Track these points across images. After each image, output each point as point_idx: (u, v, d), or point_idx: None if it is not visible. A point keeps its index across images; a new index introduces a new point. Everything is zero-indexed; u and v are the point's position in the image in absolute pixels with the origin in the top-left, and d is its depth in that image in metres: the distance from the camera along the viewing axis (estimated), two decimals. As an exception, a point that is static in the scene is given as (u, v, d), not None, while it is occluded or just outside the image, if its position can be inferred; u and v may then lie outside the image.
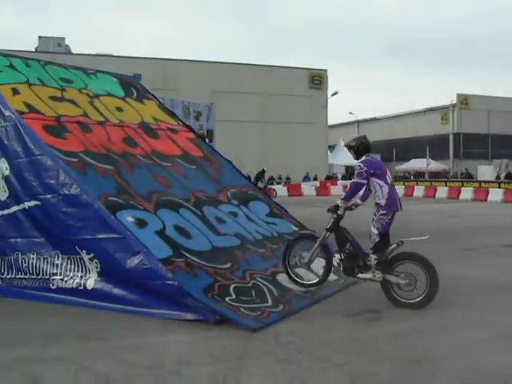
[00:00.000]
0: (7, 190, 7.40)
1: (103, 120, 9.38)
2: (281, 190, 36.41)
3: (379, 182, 6.95)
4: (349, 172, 53.24)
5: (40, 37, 45.34)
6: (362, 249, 7.12)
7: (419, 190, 35.52)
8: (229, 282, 6.77)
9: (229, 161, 10.72)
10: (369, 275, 6.99)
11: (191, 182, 8.82)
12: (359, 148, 7.18)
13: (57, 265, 6.88)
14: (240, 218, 8.93)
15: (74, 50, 45.88)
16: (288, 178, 42.62)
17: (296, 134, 44.74)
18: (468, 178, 42.83)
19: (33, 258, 7.06)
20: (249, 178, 8.78)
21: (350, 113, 66.15)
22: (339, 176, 49.83)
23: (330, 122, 52.78)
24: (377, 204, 6.96)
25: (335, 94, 48.60)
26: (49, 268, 6.93)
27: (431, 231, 14.95)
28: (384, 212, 6.89)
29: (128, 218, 6.96)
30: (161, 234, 7.10)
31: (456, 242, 12.77)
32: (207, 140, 14.28)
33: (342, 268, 7.28)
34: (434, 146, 52.05)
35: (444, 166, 54.11)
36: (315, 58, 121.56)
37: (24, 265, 7.13)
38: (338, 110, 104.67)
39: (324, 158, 48.22)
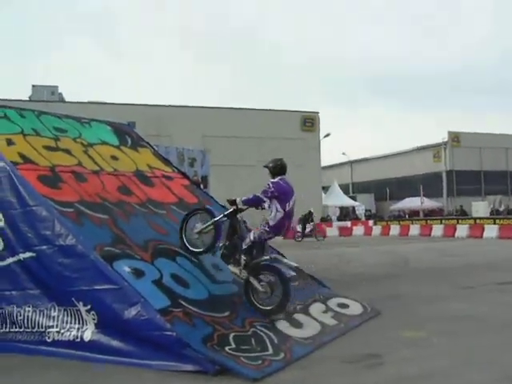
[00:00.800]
0: (2, 242, 7.33)
1: (98, 169, 9.38)
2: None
3: (278, 206, 7.52)
4: (343, 213, 53.38)
5: (33, 85, 45.97)
6: (242, 246, 7.69)
7: (415, 229, 35.52)
8: (228, 331, 6.67)
9: (223, 206, 10.71)
10: (236, 270, 7.69)
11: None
12: (274, 169, 7.79)
13: (53, 317, 6.76)
14: (237, 265, 8.86)
15: (67, 98, 46.36)
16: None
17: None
18: (463, 214, 42.97)
19: (28, 311, 6.95)
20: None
21: (343, 153, 66.54)
22: (333, 218, 49.81)
23: (323, 163, 53.11)
24: (267, 221, 7.58)
25: (327, 135, 49.07)
26: (45, 320, 6.81)
27: (429, 270, 15.06)
28: (268, 230, 7.57)
29: (125, 267, 6.87)
30: (158, 283, 7.01)
31: (454, 280, 12.70)
32: (202, 186, 14.29)
33: (221, 253, 7.91)
34: (428, 184, 52.36)
35: (438, 204, 54.31)
36: (306, 100, 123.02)
37: (19, 318, 7.00)
38: (331, 151, 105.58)
39: (318, 199, 48.27)
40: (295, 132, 47.27)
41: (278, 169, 7.79)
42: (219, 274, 8.20)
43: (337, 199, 53.46)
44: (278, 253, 9.03)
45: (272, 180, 7.65)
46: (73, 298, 6.55)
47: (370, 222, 43.30)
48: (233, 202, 7.78)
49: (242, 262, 7.63)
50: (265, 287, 7.46)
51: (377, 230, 37.88)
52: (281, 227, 7.63)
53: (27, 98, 43.17)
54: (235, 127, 43.55)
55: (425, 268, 15.74)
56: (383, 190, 57.67)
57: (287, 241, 32.33)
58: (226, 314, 7.17)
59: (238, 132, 43.61)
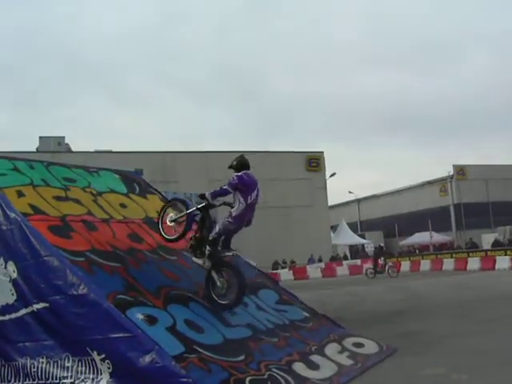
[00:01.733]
0: (15, 293, 7.32)
1: (108, 217, 9.44)
2: (286, 274, 36.11)
3: (240, 198, 7.97)
4: (353, 251, 53.11)
5: (40, 137, 46.44)
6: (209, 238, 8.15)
7: (425, 264, 35.24)
8: (244, 375, 6.58)
9: (234, 250, 10.71)
10: (200, 261, 8.18)
11: (198, 275, 8.74)
12: (237, 165, 8.29)
13: (67, 368, 6.65)
14: (250, 308, 8.82)
15: (74, 148, 46.81)
16: (293, 262, 42.33)
17: (297, 216, 44.93)
18: (473, 247, 42.65)
19: (42, 362, 6.85)
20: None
21: (350, 192, 66.66)
22: (345, 255, 49.58)
23: (331, 202, 53.11)
24: (230, 212, 8.03)
25: (333, 175, 49.17)
26: (59, 372, 6.69)
27: (443, 305, 14.87)
28: (231, 221, 8.00)
29: (138, 315, 6.86)
30: (172, 329, 6.97)
31: (470, 314, 12.51)
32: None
33: (189, 244, 8.46)
34: (436, 219, 52.18)
35: (447, 238, 54.01)
36: (309, 141, 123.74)
37: (33, 370, 6.90)
38: (338, 190, 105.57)
39: (327, 238, 48.13)
40: (301, 173, 47.46)
41: (240, 165, 8.29)
42: (233, 318, 8.15)
43: (346, 238, 53.28)
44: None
45: (236, 173, 8.12)
46: (87, 348, 6.47)
47: (380, 260, 42.92)
48: (202, 196, 8.22)
49: (207, 252, 8.10)
50: (222, 282, 8.00)
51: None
52: (243, 218, 8.07)
53: (35, 150, 43.63)
54: (240, 170, 43.71)
55: (439, 303, 15.55)
56: (391, 227, 57.49)
57: (358, 277, 32.17)
58: (241, 357, 7.09)
59: (244, 174, 43.77)
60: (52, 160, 11.50)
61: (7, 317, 7.32)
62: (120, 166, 12.95)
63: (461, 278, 24.86)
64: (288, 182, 45.73)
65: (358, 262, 43.01)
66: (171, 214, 8.63)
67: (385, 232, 61.06)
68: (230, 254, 8.32)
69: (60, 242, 7.80)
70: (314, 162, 48.68)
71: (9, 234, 7.63)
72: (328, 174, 49.12)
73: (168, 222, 8.61)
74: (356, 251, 53.81)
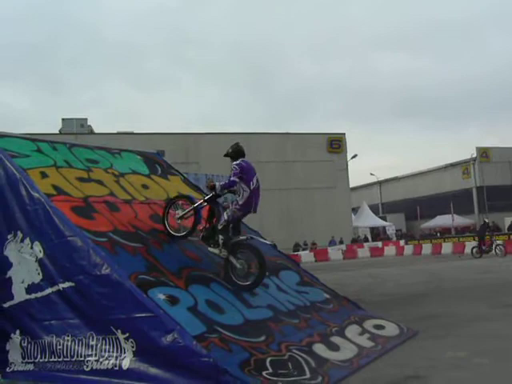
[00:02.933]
0: (41, 273, 7.44)
1: (130, 198, 9.51)
2: (307, 256, 36.17)
3: (243, 186, 8.16)
4: (374, 233, 52.94)
5: (63, 119, 46.85)
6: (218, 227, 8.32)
7: (447, 247, 35.07)
8: (265, 356, 6.64)
9: (255, 231, 10.74)
10: (216, 251, 8.32)
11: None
12: (234, 153, 8.46)
13: (92, 346, 6.76)
14: (271, 289, 8.86)
15: (96, 130, 47.11)
16: (313, 244, 42.38)
17: (318, 198, 44.87)
18: (496, 230, 42.24)
19: (67, 340, 6.98)
20: (274, 246, 9.18)
21: (371, 174, 66.31)
22: (366, 237, 49.48)
23: (352, 184, 52.92)
24: (236, 201, 8.24)
25: (355, 156, 48.93)
26: (83, 350, 6.81)
27: (465, 288, 14.79)
28: (238, 208, 8.20)
29: (159, 295, 6.93)
30: (193, 310, 7.04)
31: (492, 297, 12.37)
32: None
33: (201, 236, 8.61)
34: (458, 201, 51.77)
35: (470, 221, 53.53)
36: (330, 123, 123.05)
37: (58, 347, 7.04)
38: (359, 172, 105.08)
39: (348, 220, 48.01)
40: (322, 154, 47.30)
41: (236, 152, 8.46)
42: (254, 299, 8.19)
43: (367, 220, 53.08)
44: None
45: (235, 163, 8.27)
46: (111, 327, 6.56)
47: (402, 242, 42.87)
48: (212, 187, 8.40)
49: (220, 241, 8.26)
50: (242, 263, 8.13)
51: (408, 249, 37.49)
52: (250, 204, 8.25)
53: (57, 132, 44.00)
54: (262, 152, 43.69)
55: (460, 286, 15.45)
56: (413, 209, 57.15)
57: (379, 259, 31.81)
58: (262, 338, 7.14)
59: (265, 156, 43.76)
60: (75, 141, 11.53)
61: (33, 295, 7.46)
62: (142, 147, 12.97)
63: (483, 261, 24.66)
64: (309, 164, 45.64)
65: (379, 244, 42.98)
66: (178, 211, 8.81)
67: (406, 214, 60.74)
68: (244, 237, 8.45)
69: (83, 222, 7.88)
70: (336, 144, 48.43)
71: (33, 214, 7.75)
72: (349, 155, 48.92)
73: (176, 220, 8.77)
74: (377, 233, 53.65)
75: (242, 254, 8.21)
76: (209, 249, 8.48)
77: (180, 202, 8.99)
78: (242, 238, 8.41)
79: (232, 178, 8.13)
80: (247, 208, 8.27)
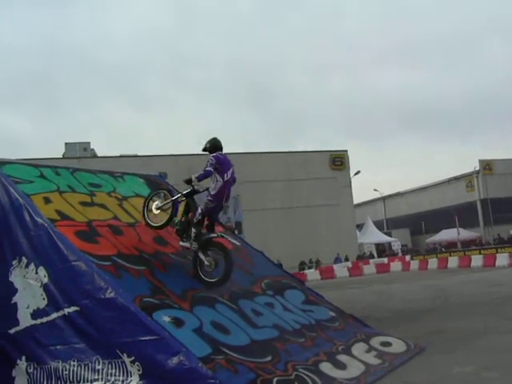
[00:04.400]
0: (46, 298, 7.44)
1: (133, 221, 9.55)
2: (313, 274, 36.04)
3: (217, 176, 8.41)
4: (379, 249, 52.76)
5: (66, 143, 46.95)
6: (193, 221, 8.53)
7: (453, 261, 34.80)
8: (271, 376, 6.62)
9: (259, 251, 10.77)
10: (187, 244, 8.54)
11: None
12: (210, 147, 8.69)
13: (98, 370, 6.73)
14: (276, 309, 8.86)
15: (99, 153, 47.27)
16: (317, 261, 42.21)
17: (323, 216, 44.80)
18: (501, 243, 42.09)
19: (73, 365, 6.94)
20: (280, 266, 9.23)
21: (375, 190, 66.30)
22: (371, 253, 49.32)
23: (356, 200, 52.83)
24: (209, 191, 8.50)
25: (357, 173, 48.88)
26: (90, 374, 6.77)
27: (472, 302, 14.69)
28: (210, 199, 8.43)
29: (165, 317, 6.94)
30: (198, 331, 7.04)
31: (500, 311, 12.33)
32: (236, 232, 14.35)
33: (175, 229, 8.85)
34: (463, 215, 51.57)
35: (475, 234, 53.31)
36: (333, 139, 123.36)
37: (64, 373, 7.00)
38: (363, 188, 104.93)
39: (353, 237, 47.88)
40: (325, 172, 47.29)
41: (213, 147, 8.69)
42: (259, 319, 8.19)
43: (372, 236, 52.95)
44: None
45: (212, 154, 8.51)
46: (117, 350, 6.54)
47: (407, 257, 42.68)
48: (189, 181, 8.60)
49: (193, 234, 8.46)
50: (210, 261, 8.32)
51: (414, 264, 37.28)
52: (222, 195, 8.48)
53: (61, 156, 44.19)
54: (265, 171, 43.82)
55: (468, 300, 15.36)
56: (418, 224, 57.02)
57: (385, 275, 31.68)
58: (268, 358, 7.12)
59: (268, 176, 43.87)
60: (78, 165, 11.62)
61: (39, 321, 7.44)
62: (145, 170, 13.05)
63: (490, 275, 24.53)
64: (313, 182, 45.64)
65: (385, 260, 42.80)
66: (157, 202, 9.05)
67: (411, 229, 60.58)
68: (215, 235, 8.62)
69: (87, 246, 7.91)
70: (338, 161, 48.46)
71: (37, 239, 7.77)
72: (352, 172, 48.91)
73: (154, 210, 8.99)
74: (383, 249, 53.44)
75: (211, 252, 8.40)
76: (180, 243, 8.75)
77: (161, 194, 9.22)
78: (212, 234, 8.59)
79: (207, 169, 8.36)
80: (219, 199, 8.48)
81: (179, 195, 8.89)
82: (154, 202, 9.11)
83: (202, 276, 8.38)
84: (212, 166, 8.36)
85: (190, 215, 8.72)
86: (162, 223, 8.93)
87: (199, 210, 8.51)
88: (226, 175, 8.46)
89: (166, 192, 9.21)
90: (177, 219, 8.90)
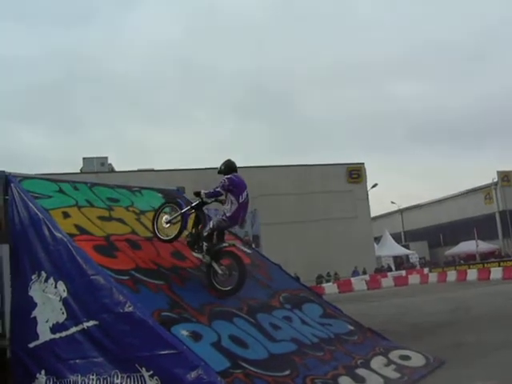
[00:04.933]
0: (65, 312, 7.50)
1: (151, 236, 9.57)
2: (331, 288, 35.87)
3: (232, 199, 8.50)
4: (397, 262, 52.40)
5: (84, 158, 47.28)
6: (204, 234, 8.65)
7: (472, 274, 34.43)
8: (290, 390, 6.59)
9: (277, 264, 10.76)
10: (200, 255, 8.65)
11: (242, 290, 8.81)
12: (226, 169, 8.80)
13: (116, 384, 6.80)
14: (295, 323, 8.84)
15: (116, 168, 47.58)
16: (336, 274, 42.02)
17: (340, 229, 44.60)
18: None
19: (92, 379, 6.98)
20: (297, 279, 9.23)
21: (392, 202, 65.98)
22: (389, 266, 49.01)
23: (373, 213, 52.58)
24: (224, 212, 8.57)
25: (375, 186, 48.73)
26: (108, 388, 6.85)
27: (492, 315, 14.50)
28: (225, 219, 8.55)
29: (183, 332, 6.95)
30: (217, 345, 7.04)
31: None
32: (254, 245, 14.35)
33: (187, 241, 8.97)
34: (481, 227, 51.06)
35: (494, 246, 52.77)
36: (349, 152, 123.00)
37: (83, 387, 7.07)
38: (380, 201, 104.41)
39: (371, 250, 47.60)
40: (342, 185, 47.17)
41: (228, 168, 8.81)
42: (277, 333, 8.17)
43: (390, 249, 52.63)
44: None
45: (226, 176, 8.63)
46: (136, 364, 6.57)
47: (426, 270, 42.33)
48: (197, 194, 8.76)
49: (204, 248, 8.56)
50: (223, 270, 8.42)
51: (433, 277, 36.94)
52: (237, 217, 8.61)
53: (79, 171, 44.57)
54: (282, 184, 43.81)
55: (488, 313, 15.17)
56: (436, 237, 56.58)
57: (403, 288, 31.50)
58: (287, 372, 7.10)
59: (286, 189, 43.85)
60: (96, 180, 11.73)
61: (58, 335, 7.51)
62: (163, 184, 13.12)
63: (509, 287, 24.23)
64: (329, 195, 45.52)
65: (403, 272, 42.49)
66: (166, 216, 9.08)
67: (429, 242, 60.12)
68: (227, 244, 8.77)
69: (105, 261, 7.97)
70: (355, 174, 48.35)
71: (57, 254, 7.87)
72: (369, 185, 48.77)
73: (164, 224, 9.02)
74: (400, 262, 53.07)
75: (224, 260, 8.51)
76: (193, 253, 8.85)
77: (170, 207, 9.26)
78: (224, 244, 8.73)
79: (218, 189, 8.55)
80: (234, 220, 8.64)
81: (188, 207, 8.95)
82: (163, 215, 9.14)
83: (216, 285, 8.48)
84: (223, 187, 8.50)
85: (199, 227, 8.82)
86: (172, 237, 8.98)
87: (210, 225, 8.61)
88: (240, 197, 8.56)
89: (174, 205, 9.26)
90: (187, 231, 8.97)
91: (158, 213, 9.29)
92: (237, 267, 8.34)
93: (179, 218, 8.89)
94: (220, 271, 8.42)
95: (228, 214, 8.51)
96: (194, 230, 8.93)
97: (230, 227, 8.95)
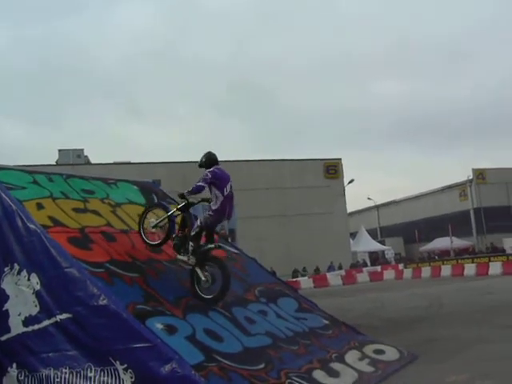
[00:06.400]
0: (38, 305, 7.39)
1: (126, 228, 9.51)
2: (306, 282, 36.02)
3: (217, 192, 8.25)
4: (373, 257, 52.81)
5: (60, 150, 46.74)
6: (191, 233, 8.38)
7: (446, 270, 34.85)
8: (264, 384, 6.59)
9: (253, 258, 10.75)
10: (185, 258, 8.37)
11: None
12: (208, 161, 8.52)
13: (90, 378, 6.66)
14: (270, 316, 8.85)
15: (92, 160, 47.14)
16: (317, 269, 42.19)
17: (316, 224, 44.76)
18: (494, 252, 42.25)
19: (65, 373, 6.88)
20: (273, 273, 9.18)
21: (369, 198, 66.40)
22: (365, 262, 49.39)
23: (350, 209, 52.86)
24: (210, 207, 8.33)
25: (351, 181, 48.94)
26: (82, 382, 6.69)
27: (465, 311, 14.71)
28: (211, 214, 8.29)
29: (157, 325, 6.90)
30: (191, 339, 7.01)
31: (494, 319, 12.33)
32: (230, 239, 14.33)
33: (173, 244, 8.61)
34: (456, 224, 51.68)
35: (468, 243, 53.46)
36: (326, 148, 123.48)
37: (56, 380, 6.93)
38: (356, 197, 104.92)
39: (346, 246, 47.91)
40: (319, 180, 47.34)
41: (210, 160, 8.53)
42: (252, 327, 8.17)
43: (365, 245, 53.02)
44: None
45: (208, 170, 8.35)
46: (110, 358, 6.49)
47: (401, 266, 42.77)
48: (182, 196, 8.41)
49: (190, 248, 8.31)
50: (207, 277, 8.13)
51: (408, 273, 37.35)
52: (223, 211, 8.33)
53: (54, 163, 44.06)
54: (258, 179, 43.82)
55: (461, 309, 15.38)
56: (411, 233, 57.13)
57: (378, 284, 31.69)
58: (261, 366, 7.10)
59: (262, 184, 43.88)
60: (71, 172, 11.59)
61: (30, 328, 7.38)
62: (139, 177, 13.03)
63: (483, 283, 24.57)
64: (306, 190, 45.67)
65: (378, 268, 42.85)
66: (152, 219, 8.80)
67: (405, 238, 60.69)
68: (213, 246, 8.52)
69: (80, 253, 7.87)
70: (332, 169, 48.56)
71: (30, 246, 7.72)
72: (346, 180, 49.01)
73: (150, 228, 8.78)
74: (376, 258, 53.49)
75: (209, 266, 8.24)
76: (178, 257, 8.56)
77: (155, 211, 9.00)
78: (210, 246, 8.46)
79: (199, 183, 8.20)
80: (220, 214, 8.35)
81: (174, 210, 8.68)
82: (149, 219, 8.87)
83: (199, 293, 8.21)
84: (205, 181, 8.22)
85: (186, 230, 8.53)
86: (160, 241, 8.72)
87: (198, 223, 8.36)
88: (225, 190, 8.32)
89: (160, 208, 9.04)
90: (174, 234, 8.71)
91: (143, 217, 9.01)
92: (221, 275, 8.07)
93: (166, 220, 8.66)
94: (203, 278, 8.16)
95: (213, 208, 8.29)
96: (180, 233, 8.63)
97: (217, 222, 8.57)
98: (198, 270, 8.23)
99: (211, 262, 8.29)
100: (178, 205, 8.80)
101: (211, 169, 8.38)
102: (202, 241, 8.52)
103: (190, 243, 8.33)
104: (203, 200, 8.67)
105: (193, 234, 8.36)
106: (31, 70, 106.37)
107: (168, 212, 8.70)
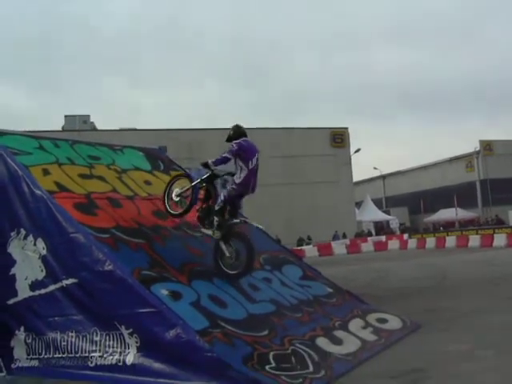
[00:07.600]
0: (44, 270, 7.46)
1: (132, 194, 9.52)
2: (311, 251, 36.17)
3: (242, 164, 8.03)
4: (377, 227, 52.89)
5: (66, 116, 46.59)
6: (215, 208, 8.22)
7: (451, 241, 34.90)
8: (268, 350, 6.65)
9: (258, 226, 10.74)
10: (210, 232, 8.26)
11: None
12: (234, 135, 8.28)
13: (96, 342, 6.79)
14: (274, 284, 8.89)
15: (98, 127, 47.02)
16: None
17: (322, 193, 44.77)
18: (499, 224, 42.22)
19: (71, 336, 7.01)
20: (278, 241, 9.14)
21: (375, 168, 66.25)
22: (370, 231, 49.48)
23: (355, 178, 52.77)
24: (234, 180, 8.12)
25: (358, 151, 48.80)
26: (87, 345, 6.84)
27: (468, 282, 14.77)
28: (235, 188, 8.07)
29: (162, 290, 6.95)
30: (196, 305, 7.07)
31: (496, 290, 12.43)
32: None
33: (196, 216, 8.52)
34: (462, 195, 51.51)
35: (473, 214, 53.37)
36: (333, 117, 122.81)
37: (63, 343, 7.07)
38: (363, 166, 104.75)
39: (351, 215, 47.96)
40: (325, 149, 47.19)
41: (238, 133, 8.30)
42: (256, 294, 8.22)
43: (370, 214, 53.07)
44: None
45: (235, 141, 8.13)
46: (115, 322, 6.58)
47: (405, 236, 42.79)
48: (205, 165, 8.21)
49: (215, 223, 8.17)
50: (231, 252, 8.09)
51: (412, 243, 37.39)
52: (247, 184, 8.12)
53: (60, 129, 43.98)
54: (265, 147, 43.39)
55: (464, 279, 15.44)
56: (417, 203, 57.04)
57: (383, 253, 31.84)
58: (265, 332, 7.16)
59: (268, 151, 43.47)
60: (77, 138, 11.55)
61: (37, 292, 7.49)
62: (145, 144, 12.98)
63: (486, 255, 24.61)
64: (312, 158, 45.55)
65: (383, 238, 42.93)
66: (176, 189, 8.61)
67: (410, 208, 60.64)
68: (238, 221, 8.40)
69: (85, 219, 7.90)
70: (339, 138, 48.35)
71: (36, 211, 7.76)
72: (352, 150, 48.82)
73: (174, 198, 8.60)
74: (381, 227, 53.60)
75: (233, 242, 8.16)
76: (202, 229, 8.46)
77: (180, 181, 8.81)
78: (235, 220, 8.33)
79: (225, 155, 8.02)
80: (244, 188, 8.15)
81: (198, 180, 8.41)
82: (173, 189, 8.68)
83: (223, 267, 8.14)
84: (231, 152, 7.96)
85: (210, 201, 8.41)
86: (181, 211, 8.52)
87: (222, 197, 8.15)
88: (250, 163, 8.06)
89: (185, 178, 8.82)
90: (198, 206, 8.55)
91: (168, 186, 8.81)
92: (245, 252, 7.99)
93: (189, 191, 8.44)
94: (227, 253, 8.09)
95: (237, 181, 8.03)
96: (204, 205, 8.49)
97: (242, 195, 8.34)
98: (223, 246, 8.16)
99: (235, 238, 8.19)
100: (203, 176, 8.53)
101: (238, 140, 8.14)
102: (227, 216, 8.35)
103: (215, 218, 8.18)
104: (228, 173, 8.45)
105: (217, 208, 8.18)
106: (35, 32, 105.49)
107: (193, 182, 8.49)
